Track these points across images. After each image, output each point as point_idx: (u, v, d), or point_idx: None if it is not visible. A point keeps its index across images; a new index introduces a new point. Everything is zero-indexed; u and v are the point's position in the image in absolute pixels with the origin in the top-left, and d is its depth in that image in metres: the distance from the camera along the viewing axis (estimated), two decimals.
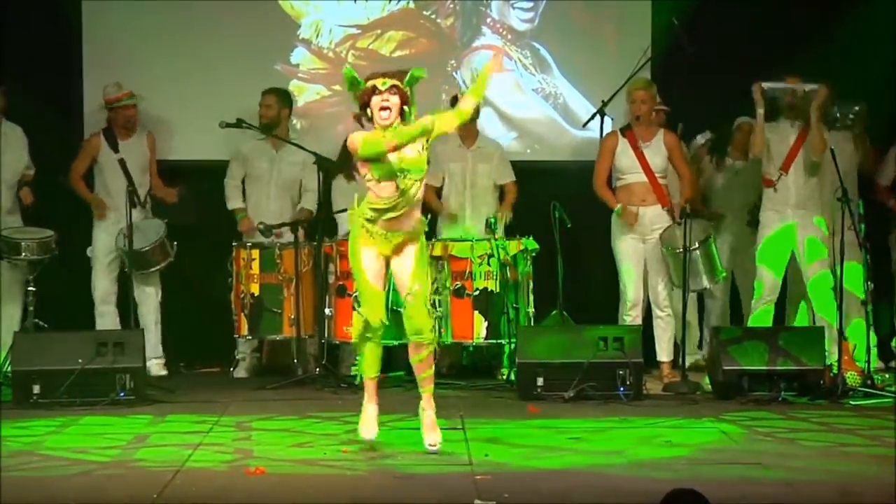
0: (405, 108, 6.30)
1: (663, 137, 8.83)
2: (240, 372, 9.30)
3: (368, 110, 6.31)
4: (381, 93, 6.26)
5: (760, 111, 8.66)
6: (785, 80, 8.69)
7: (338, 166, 9.08)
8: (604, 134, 8.93)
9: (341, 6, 9.91)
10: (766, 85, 8.64)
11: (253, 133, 9.07)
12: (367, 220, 6.35)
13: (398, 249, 6.39)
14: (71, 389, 7.75)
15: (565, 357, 8.04)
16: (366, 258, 6.39)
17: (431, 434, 6.43)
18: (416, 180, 6.30)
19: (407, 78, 6.30)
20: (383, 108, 6.25)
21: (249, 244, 9.05)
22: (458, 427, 7.04)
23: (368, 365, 6.55)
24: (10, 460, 6.23)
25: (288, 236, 8.97)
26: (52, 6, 9.63)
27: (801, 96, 8.67)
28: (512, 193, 9.37)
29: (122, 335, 8.26)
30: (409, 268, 6.37)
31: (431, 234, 8.10)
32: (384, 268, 6.44)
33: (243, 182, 9.46)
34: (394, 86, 6.26)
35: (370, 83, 6.29)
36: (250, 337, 9.14)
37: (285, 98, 9.45)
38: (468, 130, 9.21)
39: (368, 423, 6.57)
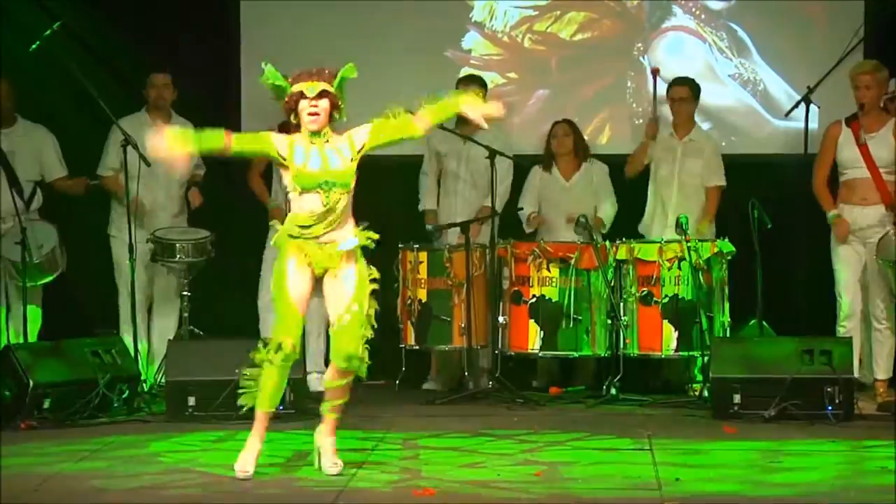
0: (334, 113, 6.43)
1: (894, 128, 8.53)
2: (431, 384, 9.32)
3: (294, 116, 6.41)
4: (308, 98, 6.37)
5: None
6: None
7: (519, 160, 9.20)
8: (809, 125, 8.75)
9: None
10: None
11: None
12: (293, 236, 6.39)
13: (335, 268, 6.39)
14: (228, 402, 7.70)
15: (765, 372, 7.94)
16: (293, 275, 6.38)
17: (334, 463, 6.46)
18: (342, 194, 6.37)
19: (336, 80, 6.42)
20: (312, 114, 6.37)
21: (416, 246, 9.05)
22: (646, 448, 7.01)
23: (267, 395, 6.40)
24: (165, 477, 6.36)
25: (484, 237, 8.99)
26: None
27: None
28: (714, 200, 9.18)
29: None
30: (350, 288, 6.38)
31: None
32: (310, 292, 6.45)
33: (438, 181, 9.48)
34: (322, 91, 6.37)
35: (296, 88, 6.38)
36: (417, 347, 9.11)
37: (483, 86, 9.26)
38: (683, 118, 9.14)
39: (248, 459, 6.37)
